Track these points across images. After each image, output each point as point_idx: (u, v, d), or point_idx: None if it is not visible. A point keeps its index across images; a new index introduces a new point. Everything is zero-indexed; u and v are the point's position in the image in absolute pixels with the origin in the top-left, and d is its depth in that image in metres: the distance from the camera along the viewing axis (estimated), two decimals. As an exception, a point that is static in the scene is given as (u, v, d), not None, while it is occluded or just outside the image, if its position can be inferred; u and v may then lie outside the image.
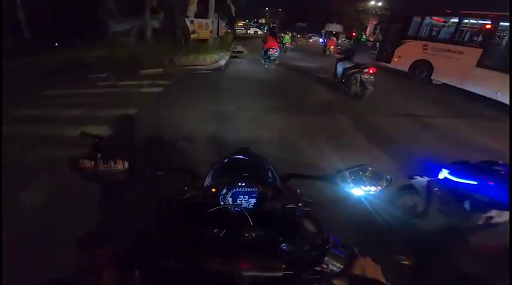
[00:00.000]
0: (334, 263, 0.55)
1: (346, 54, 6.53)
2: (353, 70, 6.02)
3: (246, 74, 8.08)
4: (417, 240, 1.79)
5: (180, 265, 0.53)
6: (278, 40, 9.45)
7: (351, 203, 1.30)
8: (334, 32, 37.18)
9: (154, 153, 2.99)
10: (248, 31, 42.39)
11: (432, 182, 1.78)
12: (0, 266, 1.31)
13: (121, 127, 3.67)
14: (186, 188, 0.71)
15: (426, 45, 9.66)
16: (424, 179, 1.87)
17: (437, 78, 9.32)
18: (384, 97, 6.65)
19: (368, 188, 0.79)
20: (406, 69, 10.32)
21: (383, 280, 0.55)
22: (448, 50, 8.85)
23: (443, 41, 9.39)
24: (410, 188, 1.97)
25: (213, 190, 0.68)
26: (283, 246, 0.59)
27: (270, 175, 0.79)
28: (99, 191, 2.09)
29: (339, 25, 38.18)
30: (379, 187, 0.79)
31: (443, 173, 1.73)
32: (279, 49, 8.90)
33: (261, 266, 0.54)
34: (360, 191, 0.79)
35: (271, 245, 0.60)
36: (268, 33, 10.42)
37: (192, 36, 10.42)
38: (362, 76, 5.83)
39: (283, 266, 0.55)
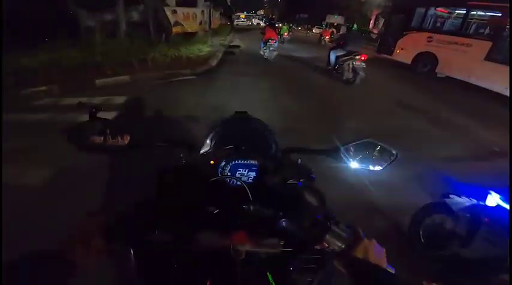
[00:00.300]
0: (336, 242, 0.52)
1: (339, 43, 6.86)
2: (345, 58, 6.36)
3: (242, 77, 6.38)
4: (454, 266, 1.64)
5: (172, 238, 0.51)
6: (277, 31, 9.24)
7: (355, 179, 1.17)
8: (335, 24, 36.32)
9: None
10: (251, 22, 41.74)
11: (478, 207, 1.59)
12: (0, 266, 1.12)
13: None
14: (181, 156, 0.71)
15: (431, 37, 9.09)
16: (463, 201, 1.67)
17: (443, 71, 8.81)
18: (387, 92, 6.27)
19: (373, 164, 0.77)
20: (408, 61, 9.82)
21: (385, 265, 0.51)
22: (455, 43, 8.28)
23: (450, 33, 8.80)
24: (442, 207, 1.74)
25: (212, 162, 0.65)
26: (283, 222, 0.57)
27: (270, 145, 0.75)
28: (101, 165, 2.12)
29: (340, 17, 37.41)
30: (384, 163, 0.77)
31: (494, 199, 1.56)
32: (278, 40, 8.82)
33: (257, 242, 0.51)
34: (365, 166, 0.77)
35: (269, 221, 0.58)
36: (267, 24, 10.05)
37: (176, 29, 8.90)
38: (354, 63, 6.18)
39: (282, 243, 0.52)
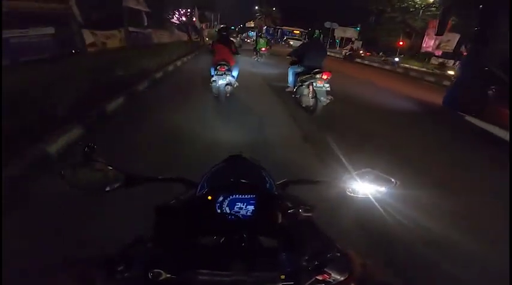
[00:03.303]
0: (337, 271, 0.53)
1: (297, 56, 5.54)
2: (304, 77, 5.09)
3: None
4: None
5: (171, 277, 0.51)
6: (233, 49, 5.33)
7: (354, 207, 1.27)
8: (353, 39, 28.35)
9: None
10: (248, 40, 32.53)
11: None
12: (0, 266, 1.29)
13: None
14: (180, 197, 0.75)
15: None
16: None
17: None
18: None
19: (373, 192, 0.81)
20: None
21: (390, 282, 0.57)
22: None
23: None
24: None
25: (209, 197, 0.66)
26: (282, 255, 0.59)
27: (267, 180, 0.73)
28: (92, 202, 1.96)
29: (353, 29, 29.93)
30: (384, 190, 0.80)
31: None
32: (236, 66, 5.43)
33: (257, 276, 0.53)
34: (364, 194, 0.81)
35: (269, 254, 0.60)
36: (217, 38, 5.65)
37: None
38: (315, 84, 4.76)
39: (282, 277, 0.53)
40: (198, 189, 0.71)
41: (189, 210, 0.67)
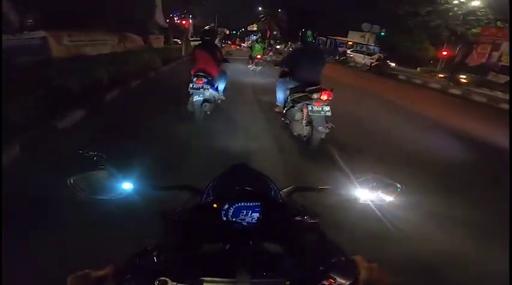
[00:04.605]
0: (343, 275, 0.55)
1: (287, 66, 4.36)
2: (296, 96, 3.96)
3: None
4: None
5: (177, 282, 0.53)
6: (219, 56, 4.50)
7: (358, 213, 1.30)
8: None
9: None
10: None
11: None
12: (0, 267, 1.35)
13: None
14: (185, 205, 0.76)
15: None
16: None
17: None
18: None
19: (378, 198, 0.81)
20: None
21: None
22: None
23: None
24: None
25: (215, 205, 0.67)
26: (288, 261, 0.61)
27: (271, 188, 0.76)
28: (100, 210, 1.89)
29: (369, 34, 25.99)
30: (389, 197, 0.82)
31: None
32: (223, 78, 4.73)
33: (263, 283, 0.56)
34: (369, 201, 0.82)
35: (274, 261, 0.62)
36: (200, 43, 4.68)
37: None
38: (311, 107, 3.63)
39: (287, 283, 0.55)
40: (204, 197, 0.70)
41: (195, 217, 0.69)
